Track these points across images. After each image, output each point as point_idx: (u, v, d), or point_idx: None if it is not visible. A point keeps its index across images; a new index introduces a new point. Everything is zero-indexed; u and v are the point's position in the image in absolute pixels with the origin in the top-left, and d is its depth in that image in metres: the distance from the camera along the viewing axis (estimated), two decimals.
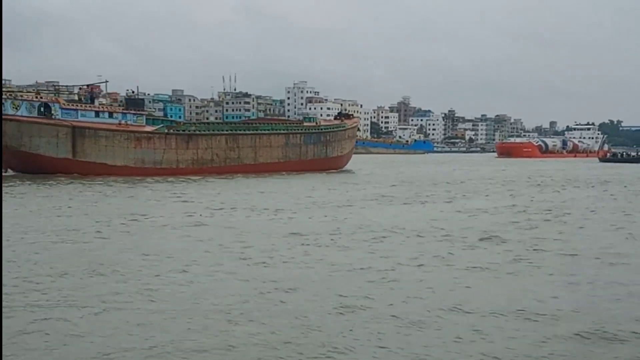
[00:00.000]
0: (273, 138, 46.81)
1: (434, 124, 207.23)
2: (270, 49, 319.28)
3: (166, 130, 41.89)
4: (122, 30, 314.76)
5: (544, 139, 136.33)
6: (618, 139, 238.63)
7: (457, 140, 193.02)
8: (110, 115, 40.65)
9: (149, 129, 41.55)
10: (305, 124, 51.66)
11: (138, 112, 41.78)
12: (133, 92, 44.60)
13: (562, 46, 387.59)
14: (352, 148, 54.51)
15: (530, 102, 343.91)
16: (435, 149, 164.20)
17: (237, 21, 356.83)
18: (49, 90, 46.94)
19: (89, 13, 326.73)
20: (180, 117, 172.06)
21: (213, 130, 44.85)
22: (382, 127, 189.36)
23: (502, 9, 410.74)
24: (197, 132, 43.68)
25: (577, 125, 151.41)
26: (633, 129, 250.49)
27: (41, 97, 39.61)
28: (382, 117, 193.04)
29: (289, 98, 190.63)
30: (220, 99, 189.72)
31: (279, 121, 58.16)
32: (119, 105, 43.48)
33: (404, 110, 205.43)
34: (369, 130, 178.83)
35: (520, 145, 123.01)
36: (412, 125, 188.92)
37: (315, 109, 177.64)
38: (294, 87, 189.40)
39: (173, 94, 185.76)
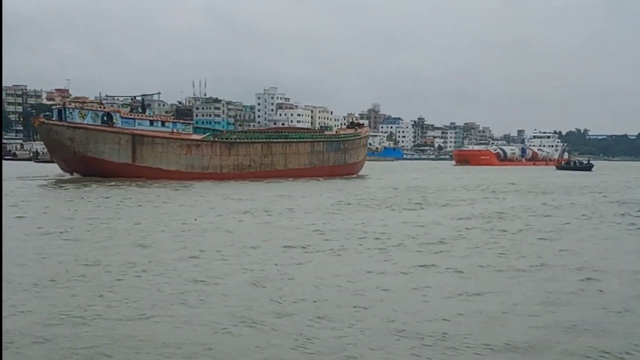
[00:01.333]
0: (300, 146, 51.40)
1: (403, 132, 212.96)
2: (239, 55, 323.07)
3: (212, 139, 46.05)
4: (90, 34, 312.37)
5: (502, 147, 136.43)
6: (585, 147, 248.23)
7: (426, 148, 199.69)
8: (163, 124, 44.57)
9: (196, 137, 45.66)
10: (326, 132, 56.37)
11: (186, 122, 45.90)
12: (180, 102, 48.89)
13: (531, 57, 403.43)
14: (365, 155, 59.57)
15: (499, 110, 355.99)
16: (405, 156, 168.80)
17: (207, 26, 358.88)
18: (93, 102, 50.29)
19: (56, 16, 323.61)
20: None
21: (251, 139, 49.15)
22: None
23: (471, 19, 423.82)
24: (238, 140, 47.93)
25: (537, 133, 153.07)
26: (599, 137, 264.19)
27: (104, 107, 43.30)
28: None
29: (259, 104, 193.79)
30: (190, 104, 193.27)
31: (304, 130, 62.58)
32: (171, 115, 47.23)
33: (373, 117, 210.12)
34: None
35: (477, 153, 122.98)
36: (382, 132, 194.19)
37: (285, 115, 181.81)
38: (264, 93, 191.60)
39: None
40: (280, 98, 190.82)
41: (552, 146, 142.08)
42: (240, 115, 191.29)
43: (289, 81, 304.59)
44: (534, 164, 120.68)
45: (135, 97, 46.69)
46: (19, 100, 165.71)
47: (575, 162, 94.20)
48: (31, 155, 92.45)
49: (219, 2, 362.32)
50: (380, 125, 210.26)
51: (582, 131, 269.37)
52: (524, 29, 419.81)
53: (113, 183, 36.27)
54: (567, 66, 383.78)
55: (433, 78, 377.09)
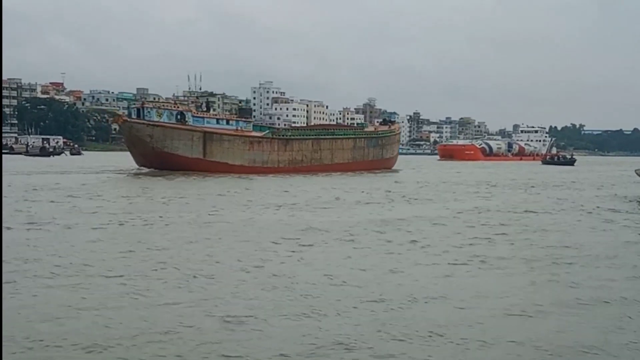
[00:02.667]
0: (345, 142, 55.66)
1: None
2: (232, 49, 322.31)
3: (271, 136, 50.09)
4: (82, 28, 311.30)
5: (487, 142, 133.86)
6: (580, 142, 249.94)
7: (422, 143, 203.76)
8: (227, 122, 48.53)
9: (256, 134, 49.67)
10: (365, 129, 60.70)
11: (247, 120, 49.87)
12: (241, 101, 52.77)
13: (525, 52, 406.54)
14: (397, 150, 64.06)
15: (495, 105, 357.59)
16: (400, 150, 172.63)
17: (200, 20, 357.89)
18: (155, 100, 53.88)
19: (46, 9, 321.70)
20: None
21: (303, 136, 53.24)
22: None
23: (464, 14, 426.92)
24: (292, 137, 52.04)
25: (524, 127, 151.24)
26: (595, 132, 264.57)
27: (178, 107, 47.13)
28: (347, 119, 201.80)
29: (254, 98, 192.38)
30: (185, 98, 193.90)
31: (347, 128, 66.71)
32: (234, 114, 51.14)
33: (369, 112, 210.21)
34: None
35: (462, 148, 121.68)
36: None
37: (281, 109, 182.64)
38: (259, 87, 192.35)
39: (137, 92, 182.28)
40: (276, 92, 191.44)
41: (540, 141, 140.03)
42: (235, 110, 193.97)
43: (283, 75, 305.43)
44: (521, 159, 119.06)
45: (198, 96, 50.44)
46: (14, 93, 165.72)
47: (559, 157, 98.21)
48: (27, 149, 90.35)
49: None
50: (376, 120, 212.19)
51: (577, 126, 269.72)
52: (518, 25, 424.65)
53: (193, 177, 39.97)
54: (562, 61, 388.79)
55: (428, 73, 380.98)
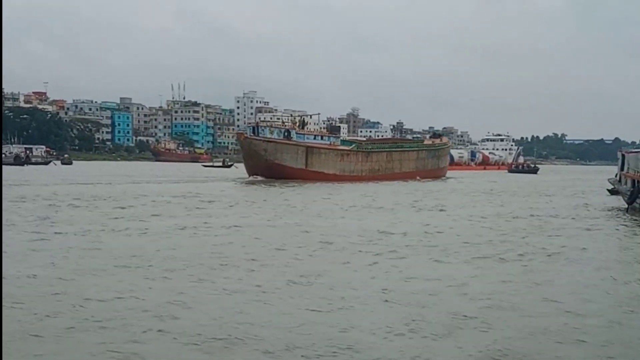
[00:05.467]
0: (410, 154, 65.31)
1: (382, 135, 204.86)
2: (214, 57, 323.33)
3: (356, 149, 59.82)
4: (61, 35, 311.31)
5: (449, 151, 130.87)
6: (562, 152, 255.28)
7: None
8: (321, 137, 58.18)
9: (344, 147, 59.33)
10: (424, 142, 70.52)
11: (336, 135, 59.61)
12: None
13: (506, 61, 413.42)
14: (448, 161, 73.85)
15: (478, 114, 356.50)
16: None
17: (179, 28, 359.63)
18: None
19: (24, 16, 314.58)
20: (128, 125, 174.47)
21: (379, 149, 62.94)
22: None
23: (443, 22, 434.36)
24: (372, 150, 61.73)
25: (489, 136, 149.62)
26: (576, 142, 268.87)
27: (285, 125, 56.85)
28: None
29: (238, 107, 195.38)
30: (169, 108, 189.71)
31: (411, 141, 76.42)
32: (327, 130, 60.81)
33: (353, 121, 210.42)
34: None
35: None
36: (361, 136, 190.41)
37: (265, 119, 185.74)
38: (243, 97, 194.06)
39: (121, 102, 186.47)
40: (260, 102, 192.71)
41: (506, 149, 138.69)
42: (219, 119, 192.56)
43: (265, 84, 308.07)
44: (484, 168, 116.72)
45: (295, 117, 60.30)
46: None
47: (524, 166, 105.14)
48: (14, 159, 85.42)
49: (190, 4, 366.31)
50: (360, 130, 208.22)
51: (559, 136, 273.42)
52: (497, 34, 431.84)
53: (296, 184, 48.47)
54: (543, 71, 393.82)
55: (409, 82, 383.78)
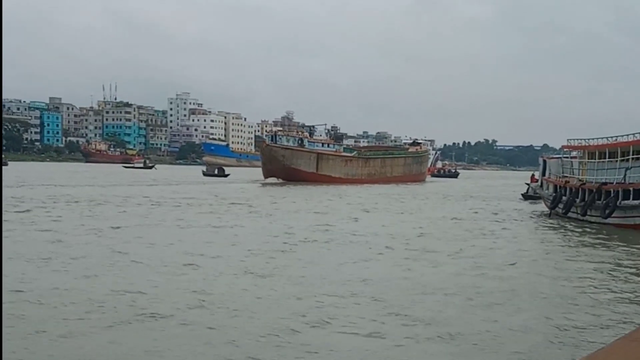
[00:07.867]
0: (399, 160, 72.09)
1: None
2: (146, 58, 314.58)
3: (357, 155, 65.46)
4: None
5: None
6: (493, 157, 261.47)
7: None
8: (328, 145, 63.52)
9: (347, 154, 64.89)
10: (409, 150, 77.19)
11: (340, 143, 65.08)
12: (334, 126, 67.53)
13: (437, 68, 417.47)
14: (427, 166, 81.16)
15: (411, 119, 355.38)
16: None
17: (107, 27, 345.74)
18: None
19: None
20: (57, 125, 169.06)
21: (375, 156, 69.07)
22: None
23: (374, 28, 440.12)
24: (369, 156, 67.73)
25: (406, 139, 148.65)
26: (507, 148, 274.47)
27: (299, 134, 61.54)
28: (266, 131, 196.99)
29: (171, 109, 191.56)
30: (100, 108, 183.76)
31: (401, 149, 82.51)
32: (332, 138, 66.10)
33: (287, 124, 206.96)
34: (253, 144, 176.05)
35: None
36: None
37: (198, 120, 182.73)
38: (176, 98, 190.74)
39: (50, 101, 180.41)
40: (193, 103, 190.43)
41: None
42: (151, 120, 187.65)
43: (197, 85, 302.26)
44: None
45: (304, 126, 65.15)
46: None
47: (445, 171, 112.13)
48: None
49: (115, 3, 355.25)
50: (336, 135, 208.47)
51: (490, 142, 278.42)
52: (429, 41, 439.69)
53: (310, 185, 54.05)
54: (473, 77, 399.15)
55: (343, 86, 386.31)
